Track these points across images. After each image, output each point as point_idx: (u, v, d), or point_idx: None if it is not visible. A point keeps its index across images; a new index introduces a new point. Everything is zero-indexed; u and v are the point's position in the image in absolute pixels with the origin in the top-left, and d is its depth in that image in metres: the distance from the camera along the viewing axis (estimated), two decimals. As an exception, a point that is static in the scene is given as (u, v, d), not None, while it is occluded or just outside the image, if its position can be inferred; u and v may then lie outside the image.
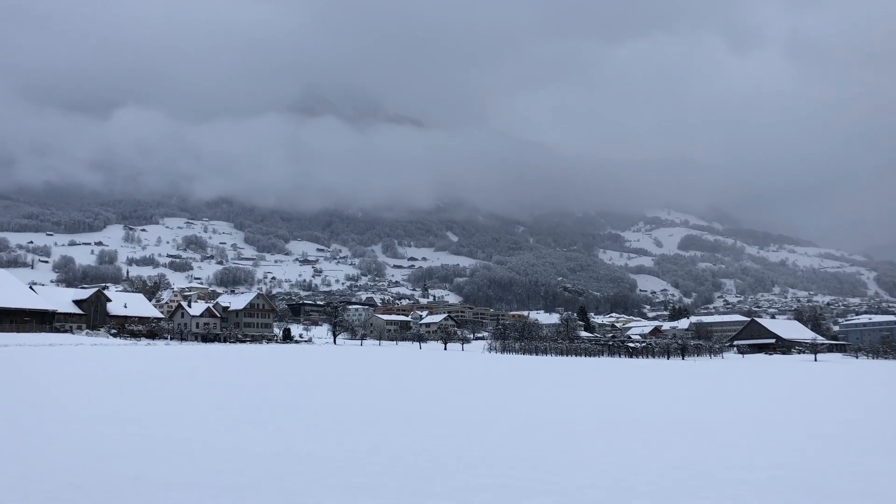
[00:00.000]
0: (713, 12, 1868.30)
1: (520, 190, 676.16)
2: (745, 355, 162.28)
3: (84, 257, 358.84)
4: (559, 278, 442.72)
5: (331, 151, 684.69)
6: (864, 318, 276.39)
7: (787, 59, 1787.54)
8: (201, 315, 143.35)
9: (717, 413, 33.52)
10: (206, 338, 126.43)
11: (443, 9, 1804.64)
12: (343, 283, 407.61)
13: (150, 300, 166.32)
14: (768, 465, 18.77)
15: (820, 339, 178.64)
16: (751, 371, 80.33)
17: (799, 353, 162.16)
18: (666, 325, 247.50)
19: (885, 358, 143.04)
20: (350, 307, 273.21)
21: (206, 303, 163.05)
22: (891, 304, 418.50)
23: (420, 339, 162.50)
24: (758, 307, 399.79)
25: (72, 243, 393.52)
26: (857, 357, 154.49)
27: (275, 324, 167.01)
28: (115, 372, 47.13)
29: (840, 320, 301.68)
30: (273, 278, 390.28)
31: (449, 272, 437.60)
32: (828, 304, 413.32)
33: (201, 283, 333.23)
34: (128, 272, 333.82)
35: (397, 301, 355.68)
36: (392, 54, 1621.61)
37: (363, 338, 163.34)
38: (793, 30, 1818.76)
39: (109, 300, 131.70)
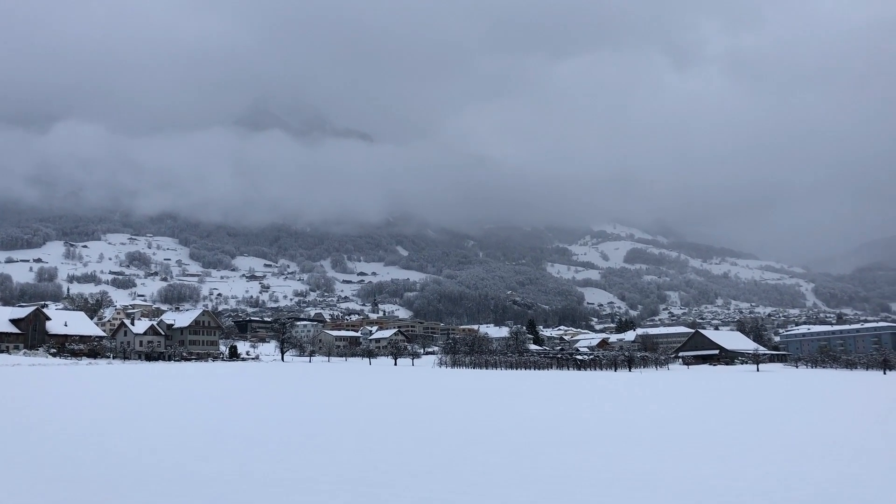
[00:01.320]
0: (655, 30, 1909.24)
1: (469, 204, 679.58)
2: (690, 366, 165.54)
3: (22, 275, 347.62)
4: (508, 292, 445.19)
5: (278, 166, 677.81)
6: (803, 329, 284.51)
7: (726, 77, 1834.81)
8: (145, 333, 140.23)
9: (677, 425, 34.12)
10: (150, 356, 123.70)
11: (391, 24, 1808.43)
12: (291, 299, 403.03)
13: (91, 318, 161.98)
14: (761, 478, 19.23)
15: (762, 350, 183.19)
16: (697, 382, 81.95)
17: (742, 364, 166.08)
18: (613, 338, 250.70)
19: (823, 367, 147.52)
20: (298, 323, 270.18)
21: (150, 320, 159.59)
22: (828, 315, 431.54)
23: (370, 354, 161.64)
24: (702, 319, 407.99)
25: (9, 260, 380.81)
26: (797, 366, 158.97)
27: (221, 341, 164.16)
28: (47, 393, 45.84)
29: (780, 331, 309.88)
30: (219, 295, 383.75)
31: (399, 287, 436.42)
32: (769, 315, 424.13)
33: (145, 301, 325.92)
34: (68, 290, 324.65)
35: (347, 317, 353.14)
36: (340, 69, 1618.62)
37: (312, 354, 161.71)
38: (731, 48, 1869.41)
39: (49, 319, 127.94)
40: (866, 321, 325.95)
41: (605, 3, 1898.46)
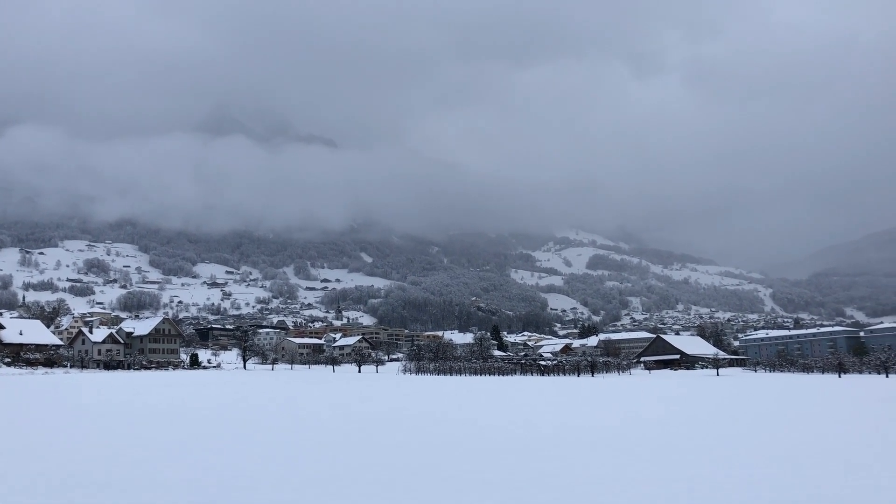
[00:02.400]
0: (617, 39, 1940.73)
1: (434, 210, 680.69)
2: (652, 371, 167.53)
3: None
4: (473, 298, 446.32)
5: (239, 171, 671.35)
6: (761, 334, 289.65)
7: (686, 86, 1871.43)
8: (103, 341, 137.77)
9: (641, 430, 34.47)
10: (109, 365, 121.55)
11: (356, 30, 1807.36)
12: (253, 307, 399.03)
13: (48, 327, 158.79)
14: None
15: (722, 354, 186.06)
16: (658, 386, 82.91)
17: (702, 368, 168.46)
18: (576, 343, 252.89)
19: (781, 371, 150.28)
20: (261, 331, 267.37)
21: (109, 328, 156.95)
22: (786, 320, 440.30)
23: (333, 362, 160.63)
24: (663, 324, 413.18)
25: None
26: (755, 371, 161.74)
27: (182, 349, 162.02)
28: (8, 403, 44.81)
29: (740, 335, 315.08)
30: (180, 302, 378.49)
31: (363, 293, 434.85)
32: (728, 320, 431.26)
33: (104, 308, 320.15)
34: (24, 297, 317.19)
35: (310, 324, 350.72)
36: (305, 74, 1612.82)
37: (274, 362, 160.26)
38: (691, 58, 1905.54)
39: (3, 327, 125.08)
40: (822, 325, 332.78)
41: (568, 12, 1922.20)
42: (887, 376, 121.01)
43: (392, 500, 17.22)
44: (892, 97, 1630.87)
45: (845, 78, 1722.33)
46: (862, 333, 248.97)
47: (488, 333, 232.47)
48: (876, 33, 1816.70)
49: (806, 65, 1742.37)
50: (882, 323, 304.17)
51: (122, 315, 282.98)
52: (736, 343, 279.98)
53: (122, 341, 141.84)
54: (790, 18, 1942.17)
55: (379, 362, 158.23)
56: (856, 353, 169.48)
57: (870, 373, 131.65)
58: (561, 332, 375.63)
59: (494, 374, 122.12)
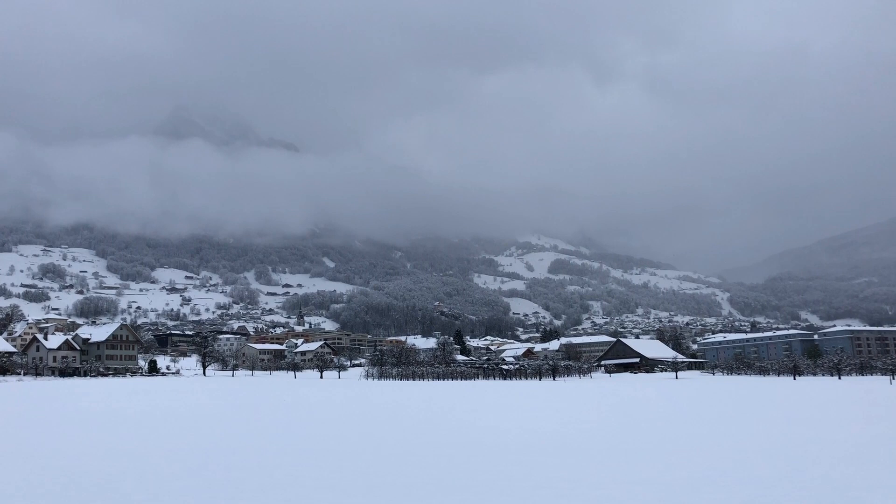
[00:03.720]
0: (577, 46, 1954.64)
1: (396, 215, 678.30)
2: (612, 375, 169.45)
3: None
4: (436, 303, 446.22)
5: (198, 175, 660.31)
6: (719, 337, 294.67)
7: (644, 94, 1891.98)
8: (59, 348, 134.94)
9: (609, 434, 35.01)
10: (65, 372, 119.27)
11: (318, 34, 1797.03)
12: (214, 312, 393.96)
13: (0, 333, 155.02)
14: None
15: (681, 358, 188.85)
16: (618, 390, 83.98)
17: (662, 371, 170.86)
18: (538, 347, 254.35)
19: (738, 373, 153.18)
20: (221, 337, 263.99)
21: (65, 335, 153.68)
22: (742, 323, 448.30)
23: (295, 367, 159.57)
24: (623, 328, 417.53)
25: None
26: (713, 374, 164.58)
27: (140, 356, 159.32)
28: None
29: (698, 339, 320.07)
30: (138, 308, 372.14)
31: (325, 299, 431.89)
32: (687, 323, 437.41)
33: (59, 314, 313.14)
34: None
35: (271, 329, 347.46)
36: (265, 78, 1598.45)
37: (235, 368, 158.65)
38: (649, 66, 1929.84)
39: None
40: (778, 329, 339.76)
41: (528, 19, 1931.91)
42: (840, 378, 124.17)
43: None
44: (843, 105, 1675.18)
45: (798, 86, 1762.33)
46: (816, 336, 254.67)
47: (451, 338, 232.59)
48: (827, 43, 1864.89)
49: (760, 73, 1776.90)
50: (835, 326, 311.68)
51: (79, 321, 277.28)
52: (694, 346, 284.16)
53: (78, 348, 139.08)
54: (745, 27, 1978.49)
55: (341, 368, 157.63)
56: (810, 356, 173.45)
57: (823, 375, 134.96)
58: (523, 337, 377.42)
59: (457, 379, 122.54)
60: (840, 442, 30.12)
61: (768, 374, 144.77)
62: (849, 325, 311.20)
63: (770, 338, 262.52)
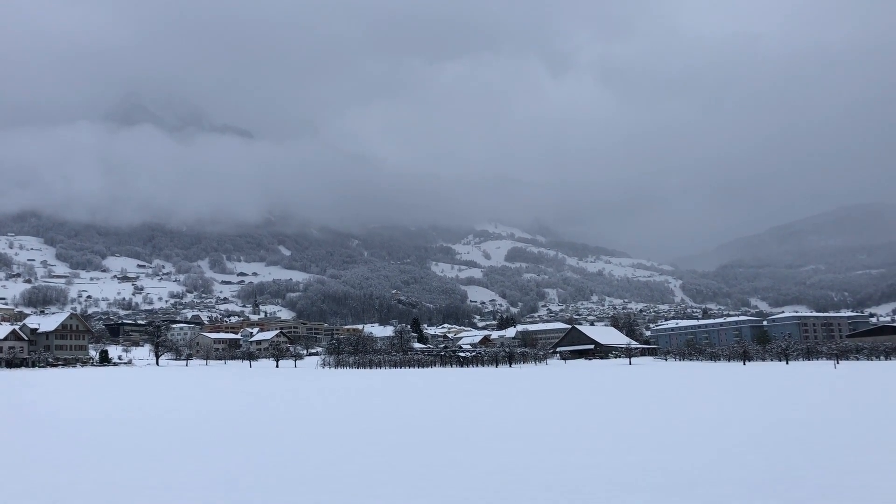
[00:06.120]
0: (533, 37, 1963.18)
1: (353, 204, 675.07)
2: (567, 361, 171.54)
3: None
4: (393, 291, 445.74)
5: (149, 162, 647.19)
6: (671, 324, 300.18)
7: (598, 85, 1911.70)
8: (5, 338, 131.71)
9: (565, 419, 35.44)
10: (12, 363, 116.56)
11: (272, 19, 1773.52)
12: (167, 301, 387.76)
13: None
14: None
15: (634, 344, 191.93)
16: (572, 376, 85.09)
17: (616, 357, 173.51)
18: (495, 334, 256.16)
19: (690, 359, 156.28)
20: (174, 326, 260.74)
21: (12, 325, 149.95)
22: (694, 310, 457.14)
23: (250, 357, 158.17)
24: (578, 315, 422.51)
25: None
26: (665, 359, 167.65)
27: (91, 346, 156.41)
28: None
29: (651, 325, 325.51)
30: (89, 297, 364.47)
31: (281, 287, 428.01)
32: (640, 310, 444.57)
33: (6, 304, 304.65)
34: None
35: (226, 318, 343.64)
36: (218, 63, 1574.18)
37: (189, 358, 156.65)
38: (603, 56, 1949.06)
39: None
40: (729, 315, 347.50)
41: (485, 9, 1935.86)
42: (787, 363, 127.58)
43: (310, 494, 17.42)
44: (792, 96, 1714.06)
45: (748, 77, 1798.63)
46: (765, 323, 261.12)
47: (408, 326, 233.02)
48: (776, 35, 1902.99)
49: (711, 64, 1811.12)
50: (783, 312, 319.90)
51: (27, 311, 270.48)
52: (648, 333, 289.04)
53: (25, 338, 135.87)
54: (696, 19, 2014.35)
55: (297, 357, 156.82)
56: (759, 342, 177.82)
57: (772, 360, 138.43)
58: (480, 324, 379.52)
59: (414, 367, 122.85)
60: (784, 423, 31.01)
61: (719, 359, 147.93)
62: (796, 312, 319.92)
63: (721, 324, 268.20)
